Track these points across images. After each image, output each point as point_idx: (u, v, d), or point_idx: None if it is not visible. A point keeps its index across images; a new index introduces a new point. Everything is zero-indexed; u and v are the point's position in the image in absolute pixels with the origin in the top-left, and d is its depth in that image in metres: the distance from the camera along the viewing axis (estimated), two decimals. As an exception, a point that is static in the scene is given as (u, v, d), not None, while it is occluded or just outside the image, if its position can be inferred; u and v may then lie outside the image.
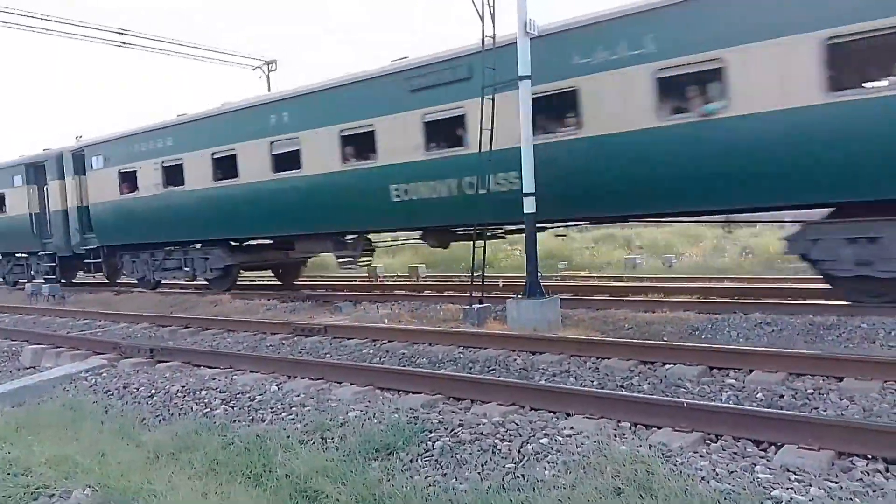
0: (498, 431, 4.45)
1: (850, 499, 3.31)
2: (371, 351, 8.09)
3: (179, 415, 5.88)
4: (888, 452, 3.80)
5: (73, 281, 21.17)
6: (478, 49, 10.14)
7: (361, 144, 12.62)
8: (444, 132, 11.56)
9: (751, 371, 5.86)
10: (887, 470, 3.69)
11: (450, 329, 8.91)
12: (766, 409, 4.77)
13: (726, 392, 5.47)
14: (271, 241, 16.23)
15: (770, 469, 3.70)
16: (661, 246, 20.57)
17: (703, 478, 3.58)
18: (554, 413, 5.01)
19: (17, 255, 22.17)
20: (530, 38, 9.24)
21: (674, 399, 5.18)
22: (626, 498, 3.42)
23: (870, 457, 3.81)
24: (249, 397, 5.96)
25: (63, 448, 4.56)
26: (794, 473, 3.62)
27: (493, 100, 9.78)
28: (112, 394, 6.73)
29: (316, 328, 9.34)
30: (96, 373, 7.53)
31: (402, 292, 13.35)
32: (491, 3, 9.88)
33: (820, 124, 8.06)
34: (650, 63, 9.14)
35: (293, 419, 5.28)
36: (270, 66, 28.92)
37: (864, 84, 8.73)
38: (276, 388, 6.28)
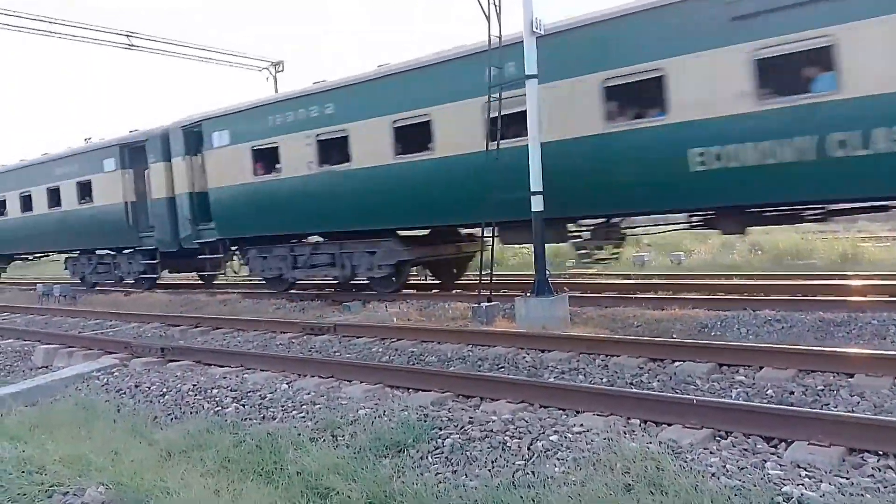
0: (508, 429, 4.47)
1: (861, 495, 3.31)
2: (380, 349, 8.11)
3: (191, 413, 5.92)
4: (899, 448, 3.78)
5: (159, 282, 18.69)
6: None
7: (639, 96, 9.56)
8: (792, 70, 8.48)
9: (761, 368, 5.85)
10: (899, 466, 3.68)
11: (458, 327, 8.93)
12: (777, 406, 4.77)
13: (736, 389, 5.46)
14: (438, 232, 13.39)
15: (780, 465, 3.70)
16: (669, 243, 20.49)
17: (713, 474, 3.59)
18: (563, 410, 5.01)
19: (97, 251, 19.19)
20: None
21: (683, 396, 5.18)
22: (635, 494, 3.43)
23: (881, 453, 3.80)
24: (260, 396, 6.00)
25: (76, 446, 4.60)
26: (805, 469, 3.62)
27: (500, 99, 9.79)
28: (124, 393, 6.78)
29: (325, 327, 9.38)
30: (108, 372, 7.59)
31: (411, 291, 13.35)
32: (497, 3, 9.87)
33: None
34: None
35: (304, 417, 5.32)
36: (277, 66, 28.97)
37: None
38: (287, 386, 6.32)
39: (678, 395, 5.23)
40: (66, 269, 20.96)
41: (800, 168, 8.19)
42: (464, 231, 13.59)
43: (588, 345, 7.06)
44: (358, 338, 8.77)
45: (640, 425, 4.61)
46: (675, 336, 7.82)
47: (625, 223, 11.11)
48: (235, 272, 16.74)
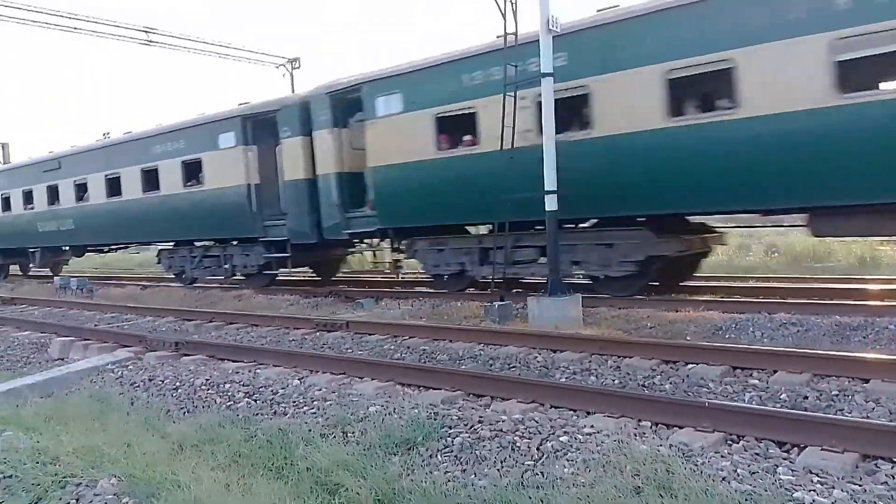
0: (518, 429, 4.46)
1: (875, 502, 3.27)
2: (392, 347, 8.13)
3: (204, 407, 5.97)
4: (915, 456, 3.73)
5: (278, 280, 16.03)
6: None
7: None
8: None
9: (775, 372, 5.79)
10: (913, 473, 3.64)
11: (470, 326, 8.92)
12: (790, 410, 4.72)
13: (749, 392, 5.41)
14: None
15: (792, 470, 3.67)
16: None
17: (723, 478, 3.56)
18: (574, 411, 5.00)
19: (197, 243, 16.87)
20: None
21: (695, 399, 5.15)
22: (645, 497, 3.41)
23: (895, 460, 3.75)
24: (272, 391, 6.04)
25: (90, 438, 4.65)
26: (817, 475, 3.58)
27: (514, 97, 9.77)
28: (138, 386, 6.85)
29: (338, 323, 9.41)
30: (123, 365, 7.67)
31: (424, 289, 13.36)
32: (513, 0, 9.84)
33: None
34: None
35: (315, 413, 5.34)
36: (294, 63, 29.09)
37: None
38: (299, 382, 6.36)
39: (690, 398, 5.20)
40: (158, 262, 18.51)
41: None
42: (694, 221, 11.24)
43: (600, 345, 7.03)
44: (370, 335, 8.80)
45: (650, 427, 4.59)
46: (688, 338, 7.77)
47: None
48: (399, 268, 15.05)
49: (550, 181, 9.15)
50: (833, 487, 3.43)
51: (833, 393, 5.21)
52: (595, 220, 10.81)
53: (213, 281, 16.99)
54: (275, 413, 5.53)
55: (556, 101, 9.33)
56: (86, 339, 9.46)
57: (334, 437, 4.74)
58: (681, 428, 4.47)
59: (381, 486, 3.90)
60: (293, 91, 25.22)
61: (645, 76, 9.21)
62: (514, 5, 9.86)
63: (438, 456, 4.27)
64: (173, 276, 18.01)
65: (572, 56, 9.82)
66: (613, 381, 6.04)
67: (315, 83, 14.59)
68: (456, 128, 11.33)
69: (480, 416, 4.74)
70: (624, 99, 9.47)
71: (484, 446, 4.27)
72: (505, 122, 9.88)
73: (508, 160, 9.79)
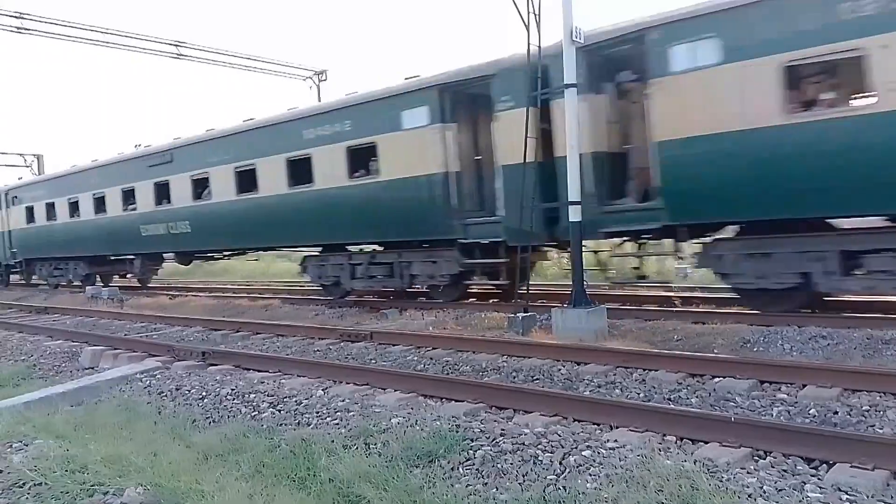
0: (540, 442, 4.44)
1: (906, 522, 3.20)
2: (415, 358, 8.15)
3: (228, 417, 6.03)
4: (948, 474, 3.63)
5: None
6: None
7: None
8: None
9: (804, 386, 5.68)
10: (947, 493, 3.54)
11: (494, 338, 8.91)
12: (818, 426, 4.64)
13: (777, 407, 5.32)
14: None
15: (821, 488, 3.59)
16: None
17: (749, 495, 3.50)
18: (598, 425, 4.95)
19: (353, 247, 14.32)
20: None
21: (721, 413, 5.08)
22: (669, 513, 3.37)
23: (928, 478, 3.67)
24: (296, 401, 6.08)
25: (118, 447, 4.73)
26: (846, 493, 3.51)
27: (537, 107, 9.76)
28: (165, 395, 6.94)
29: (362, 334, 9.46)
30: (151, 374, 7.78)
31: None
32: (536, 11, 9.86)
33: None
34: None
35: (338, 424, 5.36)
36: (321, 75, 29.44)
37: None
38: (322, 392, 6.40)
39: (716, 413, 5.13)
40: (303, 271, 15.52)
41: None
42: None
43: (625, 358, 6.97)
44: (394, 345, 8.83)
45: (675, 442, 4.53)
46: (715, 350, 7.67)
47: None
48: (686, 275, 12.29)
49: (574, 192, 9.12)
50: (863, 506, 3.36)
51: (864, 408, 5.10)
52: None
53: (374, 292, 14.47)
54: (298, 423, 5.57)
55: None
56: (116, 349, 9.63)
57: (357, 448, 4.75)
58: (706, 443, 4.40)
59: (402, 498, 3.90)
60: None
61: None
62: (537, 17, 9.88)
63: (460, 469, 4.26)
64: (319, 288, 15.34)
65: None
66: (638, 394, 5.98)
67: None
68: (823, 78, 8.40)
69: (503, 429, 4.73)
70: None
71: (506, 460, 4.26)
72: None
73: None
